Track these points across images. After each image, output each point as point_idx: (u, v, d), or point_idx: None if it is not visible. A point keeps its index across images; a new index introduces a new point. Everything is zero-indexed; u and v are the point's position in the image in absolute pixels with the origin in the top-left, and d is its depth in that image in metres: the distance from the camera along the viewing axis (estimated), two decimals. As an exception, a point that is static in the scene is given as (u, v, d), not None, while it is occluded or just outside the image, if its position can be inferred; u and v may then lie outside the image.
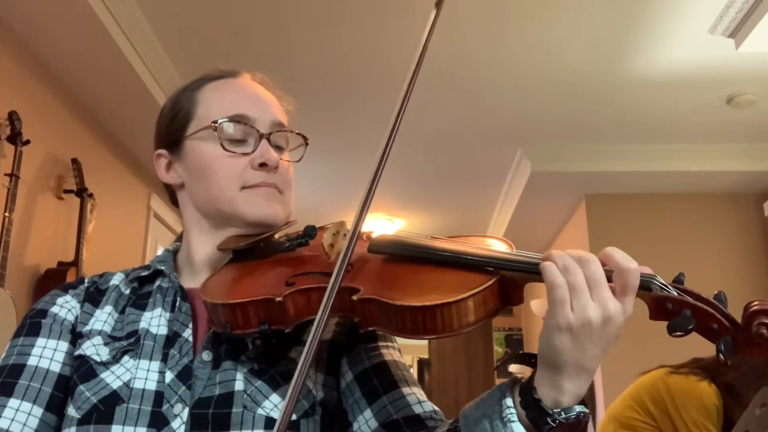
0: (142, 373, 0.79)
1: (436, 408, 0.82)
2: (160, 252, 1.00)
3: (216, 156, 0.88)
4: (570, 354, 0.63)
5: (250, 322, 0.76)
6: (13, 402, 0.78)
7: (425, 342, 6.88)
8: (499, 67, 2.92)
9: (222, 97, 0.92)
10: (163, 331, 0.83)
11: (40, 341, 0.83)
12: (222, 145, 0.87)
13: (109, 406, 0.76)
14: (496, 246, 0.77)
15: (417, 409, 0.80)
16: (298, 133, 0.96)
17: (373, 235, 0.83)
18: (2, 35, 2.34)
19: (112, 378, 0.78)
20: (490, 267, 0.70)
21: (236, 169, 0.88)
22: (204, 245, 0.91)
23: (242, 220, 0.88)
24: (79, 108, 2.92)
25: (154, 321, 0.84)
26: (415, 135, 3.48)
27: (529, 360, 0.70)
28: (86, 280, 0.92)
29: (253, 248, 0.87)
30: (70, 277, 2.62)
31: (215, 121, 0.88)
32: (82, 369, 0.80)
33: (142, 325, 0.84)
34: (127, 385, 0.78)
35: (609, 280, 0.64)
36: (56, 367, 0.82)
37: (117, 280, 0.92)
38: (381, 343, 0.87)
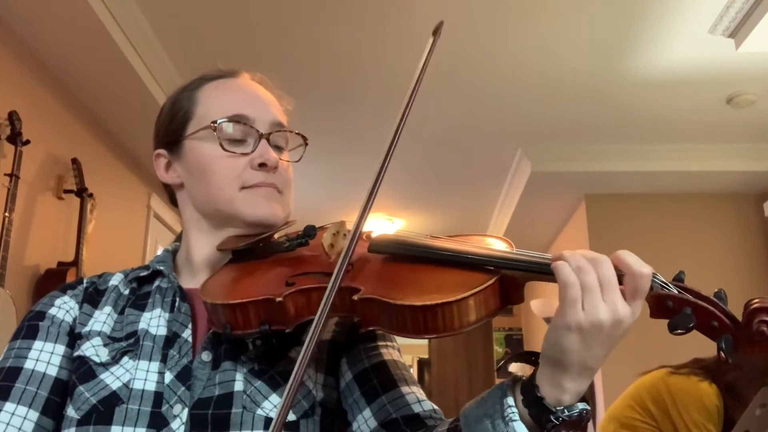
0: (142, 374, 0.78)
1: (436, 407, 0.82)
2: (159, 252, 1.00)
3: (215, 156, 0.88)
4: (576, 354, 0.63)
5: (250, 322, 0.76)
6: (8, 406, 0.78)
7: (425, 342, 6.88)
8: (499, 68, 2.92)
9: (221, 96, 0.91)
10: (163, 331, 0.83)
11: (37, 344, 0.83)
12: (221, 145, 0.87)
13: (108, 406, 0.76)
14: (497, 245, 0.76)
15: (416, 408, 0.80)
16: (298, 133, 0.95)
17: (373, 235, 0.83)
18: (2, 35, 2.34)
19: (112, 379, 0.78)
20: (491, 266, 0.70)
21: (235, 169, 0.87)
22: (203, 245, 0.91)
23: (242, 220, 0.88)
24: (79, 108, 2.92)
25: (154, 321, 0.84)
26: (416, 135, 3.48)
27: (530, 358, 0.70)
28: (85, 281, 0.92)
29: (252, 248, 0.87)
30: (70, 277, 2.62)
31: (215, 121, 0.88)
32: (81, 370, 0.80)
33: (142, 325, 0.84)
34: (126, 385, 0.78)
35: (620, 282, 0.64)
36: (53, 371, 0.82)
37: (116, 280, 0.92)
38: (380, 343, 0.87)
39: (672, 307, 0.63)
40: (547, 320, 4.80)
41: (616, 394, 2.00)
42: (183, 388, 0.77)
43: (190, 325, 0.83)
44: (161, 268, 0.90)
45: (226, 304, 0.76)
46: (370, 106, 3.24)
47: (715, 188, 3.96)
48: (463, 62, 2.86)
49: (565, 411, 0.64)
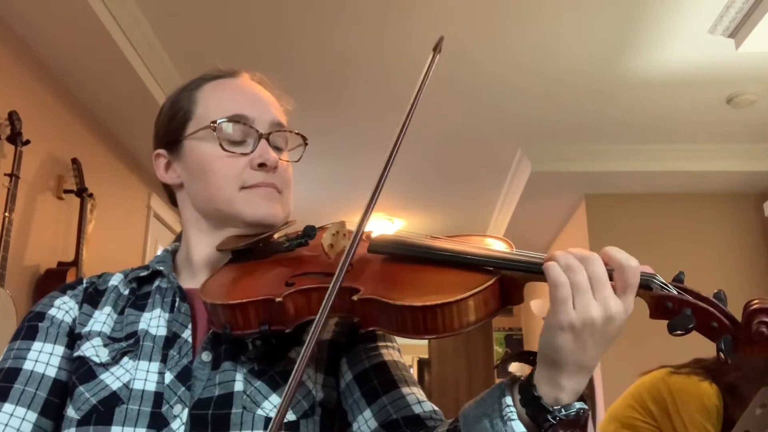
0: (142, 374, 0.78)
1: (436, 408, 0.82)
2: (159, 252, 0.99)
3: (215, 156, 0.88)
4: (571, 352, 0.63)
5: (250, 322, 0.76)
6: (7, 407, 0.78)
7: (425, 342, 6.88)
8: (499, 68, 2.92)
9: (221, 97, 0.91)
10: (162, 332, 0.83)
11: (37, 345, 0.83)
12: (221, 145, 0.87)
13: (108, 407, 0.76)
14: (496, 245, 0.76)
15: (417, 409, 0.80)
16: (298, 133, 0.95)
17: (373, 235, 0.83)
18: (2, 35, 2.34)
19: (112, 379, 0.78)
20: (491, 267, 0.70)
21: (235, 169, 0.87)
22: (203, 245, 0.91)
23: (241, 221, 0.88)
24: (79, 108, 2.92)
25: (153, 322, 0.84)
26: (416, 135, 3.48)
27: (528, 358, 0.70)
28: (85, 281, 0.92)
29: (252, 248, 0.87)
30: (70, 277, 2.62)
31: (214, 121, 0.88)
32: (81, 370, 0.80)
33: (141, 326, 0.84)
34: (126, 386, 0.77)
35: (610, 278, 0.64)
36: (52, 372, 0.82)
37: (116, 280, 0.92)
38: (380, 343, 0.87)
39: (671, 308, 0.63)
40: (547, 320, 4.80)
41: (616, 394, 2.00)
42: (183, 389, 0.77)
43: (189, 326, 0.83)
44: (161, 268, 0.90)
45: (225, 305, 0.76)
46: (370, 106, 3.25)
47: (715, 188, 3.96)
48: (464, 62, 2.87)
49: (563, 410, 0.64)
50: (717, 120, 3.38)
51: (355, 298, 0.71)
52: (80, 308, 0.87)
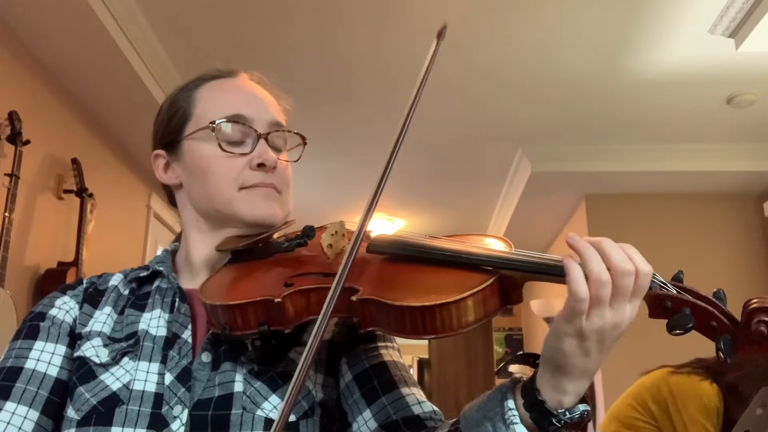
0: (142, 375, 0.79)
1: (436, 408, 0.82)
2: (159, 252, 0.99)
3: (214, 156, 0.88)
4: (576, 357, 0.63)
5: (249, 323, 0.75)
6: (9, 405, 0.78)
7: (425, 342, 6.88)
8: (499, 68, 2.92)
9: (219, 97, 0.91)
10: (162, 332, 0.82)
11: (38, 344, 0.83)
12: (220, 146, 0.87)
13: (108, 407, 0.76)
14: (495, 245, 0.76)
15: (416, 410, 0.80)
16: (297, 133, 0.95)
17: (372, 235, 0.83)
18: (2, 35, 2.34)
19: (112, 380, 0.78)
20: (490, 266, 0.70)
21: (234, 169, 0.87)
22: (202, 246, 0.91)
23: (241, 221, 0.88)
24: (79, 108, 2.92)
25: (153, 322, 0.84)
26: (416, 135, 3.48)
27: (530, 360, 0.70)
28: (85, 281, 0.92)
29: (251, 249, 0.87)
30: (70, 278, 2.62)
31: (213, 122, 0.88)
32: (81, 370, 0.80)
33: (142, 326, 0.84)
34: (126, 386, 0.78)
35: None
36: (53, 371, 0.82)
37: (116, 280, 0.92)
38: (380, 344, 0.87)
39: (670, 307, 0.63)
40: (548, 320, 4.80)
41: (616, 394, 1.99)
42: (183, 390, 0.77)
43: (189, 326, 0.83)
44: (161, 268, 0.90)
45: (224, 305, 0.76)
46: (370, 106, 3.25)
47: (715, 188, 3.96)
48: (464, 62, 2.86)
49: (567, 413, 0.64)
50: (717, 120, 3.38)
51: (354, 298, 0.70)
52: (81, 308, 0.87)
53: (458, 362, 6.45)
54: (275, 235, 0.90)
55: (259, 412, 0.76)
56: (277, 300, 0.73)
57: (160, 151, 0.94)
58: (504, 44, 2.74)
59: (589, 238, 0.65)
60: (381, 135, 3.41)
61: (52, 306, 0.87)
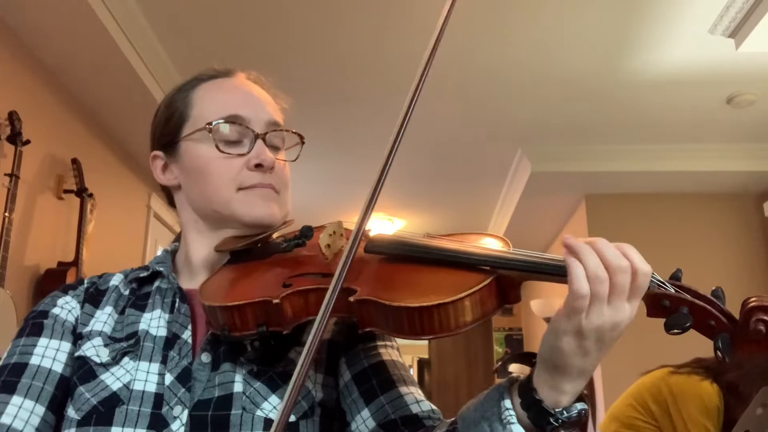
0: (142, 375, 0.79)
1: (434, 407, 0.82)
2: (159, 252, 1.00)
3: (211, 157, 0.87)
4: (574, 356, 0.63)
5: (247, 324, 0.75)
6: (15, 399, 0.78)
7: (425, 342, 6.88)
8: (499, 67, 2.92)
9: (216, 97, 0.91)
10: (163, 332, 0.83)
11: (42, 341, 0.83)
12: (217, 147, 0.87)
13: (108, 407, 0.76)
14: (493, 244, 0.76)
15: (414, 409, 0.80)
16: (294, 132, 0.95)
17: (371, 234, 0.83)
18: (2, 35, 2.35)
19: (112, 379, 0.78)
20: (487, 266, 0.70)
21: (232, 170, 0.87)
22: (201, 246, 0.91)
23: (239, 222, 0.88)
24: (79, 108, 2.92)
25: (154, 322, 0.84)
26: (416, 135, 3.48)
27: (529, 360, 0.70)
28: (86, 281, 0.92)
29: (250, 249, 0.87)
30: (70, 278, 2.62)
31: (210, 123, 0.88)
32: (81, 370, 0.80)
33: (142, 326, 0.84)
34: (126, 386, 0.78)
35: None
36: (58, 367, 0.82)
37: (116, 280, 0.92)
38: (379, 343, 0.87)
39: (668, 306, 0.63)
40: (547, 320, 4.78)
41: (616, 394, 1.99)
42: (183, 390, 0.78)
43: (189, 326, 0.83)
44: (161, 269, 0.90)
45: (223, 307, 0.76)
46: (370, 106, 3.25)
47: (715, 188, 3.96)
48: (464, 62, 2.87)
49: (564, 412, 0.64)
50: (717, 120, 3.38)
51: (351, 299, 0.70)
52: (82, 308, 0.87)
53: (458, 362, 6.45)
54: (274, 235, 0.90)
55: (258, 413, 0.76)
56: (276, 301, 0.73)
57: (158, 153, 0.94)
58: (504, 44, 2.74)
59: (584, 238, 0.65)
60: (380, 135, 3.41)
61: (54, 305, 0.87)
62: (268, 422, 0.76)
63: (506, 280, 0.69)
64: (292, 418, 0.78)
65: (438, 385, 6.51)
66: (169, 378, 0.78)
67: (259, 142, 0.89)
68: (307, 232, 0.85)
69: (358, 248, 0.78)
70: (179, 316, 0.84)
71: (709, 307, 0.62)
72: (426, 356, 7.40)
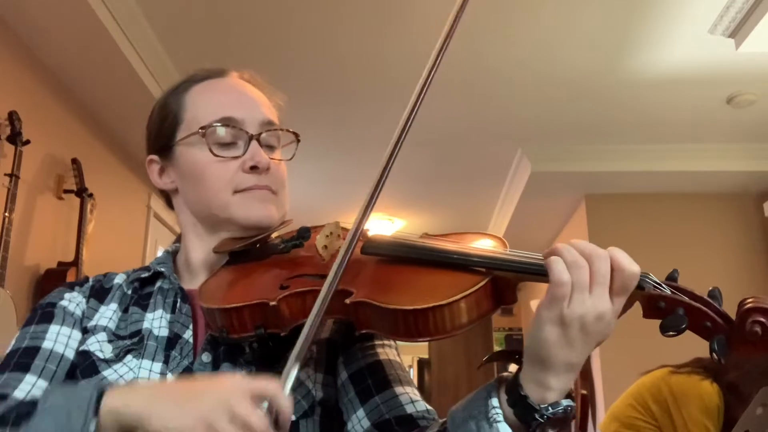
0: (145, 373, 0.79)
1: (429, 407, 0.82)
2: (160, 252, 1.00)
3: (206, 161, 0.87)
4: (558, 347, 0.63)
5: (245, 325, 0.76)
6: (29, 378, 0.77)
7: (425, 342, 6.88)
8: (499, 67, 2.92)
9: (208, 99, 0.91)
10: (165, 332, 0.83)
11: (54, 328, 0.83)
12: (211, 151, 0.87)
13: None
14: (490, 245, 0.76)
15: (409, 409, 0.80)
16: (289, 131, 0.94)
17: (369, 234, 0.83)
18: (2, 35, 2.35)
19: (115, 376, 0.79)
20: (483, 267, 0.70)
21: (227, 173, 0.87)
22: (201, 248, 0.91)
23: (237, 225, 0.88)
24: (79, 108, 2.92)
25: (156, 322, 0.84)
26: (416, 135, 3.45)
27: (514, 357, 0.70)
28: (91, 279, 0.92)
29: (249, 250, 0.87)
30: (70, 277, 2.62)
31: (203, 127, 0.87)
32: (84, 364, 0.80)
33: (146, 325, 0.84)
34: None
35: None
36: (70, 354, 0.82)
37: (119, 279, 0.92)
38: (377, 342, 0.87)
39: (664, 307, 0.62)
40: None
41: (616, 394, 1.99)
42: None
43: (191, 326, 0.83)
44: (162, 269, 0.90)
45: (221, 309, 0.76)
46: (369, 106, 3.24)
47: (715, 188, 3.96)
48: (464, 62, 2.86)
49: (550, 408, 0.64)
50: (717, 120, 3.38)
51: (348, 301, 0.70)
52: (87, 302, 0.88)
53: (458, 362, 6.45)
54: (273, 235, 0.90)
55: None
56: (273, 303, 0.74)
57: (154, 157, 0.94)
58: (504, 44, 2.74)
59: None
60: (380, 135, 3.39)
61: (62, 298, 0.87)
62: None
63: (502, 281, 0.69)
64: (292, 418, 0.78)
65: (438, 385, 6.51)
66: (170, 378, 0.79)
67: (254, 143, 0.88)
68: (304, 233, 0.85)
69: (356, 250, 0.78)
70: (181, 316, 0.84)
71: (704, 308, 0.61)
72: (426, 356, 7.40)
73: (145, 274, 0.91)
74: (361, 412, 0.81)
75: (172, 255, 0.96)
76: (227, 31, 2.64)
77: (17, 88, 2.44)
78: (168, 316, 0.84)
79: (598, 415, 3.32)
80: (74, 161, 2.76)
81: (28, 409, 0.67)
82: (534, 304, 4.82)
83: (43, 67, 2.61)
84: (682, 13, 2.50)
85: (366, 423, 0.80)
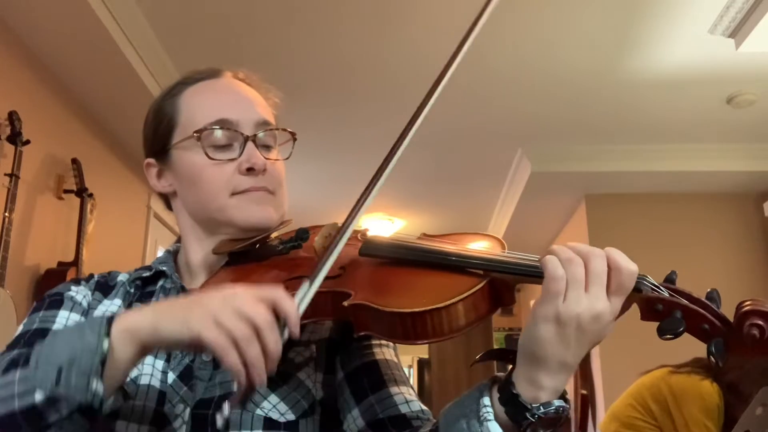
0: (148, 369, 0.79)
1: (424, 408, 0.82)
2: (160, 252, 1.00)
3: (203, 165, 0.87)
4: (552, 346, 0.63)
5: None
6: None
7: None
8: (499, 67, 2.92)
9: (203, 102, 0.90)
10: None
11: (63, 313, 0.84)
12: (206, 154, 0.87)
13: (115, 400, 0.76)
14: (488, 246, 0.76)
15: (403, 409, 0.80)
16: (285, 130, 0.94)
17: (369, 234, 0.83)
18: (2, 35, 2.35)
19: None
20: (480, 269, 0.70)
21: (224, 176, 0.87)
22: (200, 249, 0.91)
23: (236, 227, 0.88)
24: (79, 108, 2.92)
25: None
26: (416, 135, 3.47)
27: (508, 356, 0.70)
28: (95, 276, 0.93)
29: (248, 251, 0.87)
30: (70, 277, 2.62)
31: (198, 131, 0.87)
32: None
33: None
34: (134, 381, 0.78)
35: None
36: None
37: (123, 278, 0.93)
38: (374, 342, 0.87)
39: (661, 310, 0.62)
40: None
41: (616, 394, 2.00)
42: (185, 389, 0.79)
43: None
44: (164, 268, 0.90)
45: None
46: (370, 106, 3.24)
47: (715, 188, 3.96)
48: (464, 61, 2.85)
49: (541, 408, 0.63)
50: (717, 120, 3.38)
51: (345, 303, 0.70)
52: (93, 295, 0.89)
53: (458, 362, 6.45)
54: (273, 235, 0.90)
55: (258, 412, 0.77)
56: None
57: (151, 160, 0.94)
58: (505, 44, 2.74)
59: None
60: (381, 135, 3.40)
61: (69, 289, 0.88)
62: (267, 421, 0.77)
63: (500, 282, 0.69)
64: (293, 417, 0.78)
65: (438, 385, 6.51)
66: (171, 376, 0.79)
67: (249, 144, 0.88)
68: (302, 235, 0.85)
69: (354, 252, 0.78)
70: None
71: (702, 311, 0.61)
72: (426, 356, 7.40)
73: (147, 274, 0.91)
74: (356, 412, 0.81)
75: (173, 255, 0.96)
76: (227, 31, 2.64)
77: (17, 88, 2.44)
78: None
79: (598, 415, 3.33)
80: (74, 161, 2.76)
81: (38, 337, 0.67)
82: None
83: (43, 67, 2.61)
84: (682, 13, 2.50)
85: (360, 422, 0.80)
